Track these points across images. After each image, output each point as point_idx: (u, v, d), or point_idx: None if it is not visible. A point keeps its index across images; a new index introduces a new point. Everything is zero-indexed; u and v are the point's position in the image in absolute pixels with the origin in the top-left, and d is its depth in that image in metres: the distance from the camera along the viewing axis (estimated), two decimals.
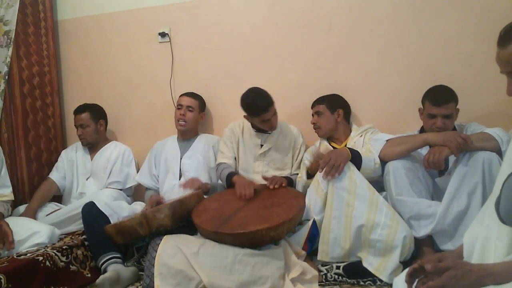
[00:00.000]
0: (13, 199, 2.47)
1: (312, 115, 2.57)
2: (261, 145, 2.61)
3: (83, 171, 2.90)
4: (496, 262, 1.11)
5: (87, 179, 2.87)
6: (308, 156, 2.51)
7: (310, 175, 2.26)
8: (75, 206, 2.52)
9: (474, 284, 1.03)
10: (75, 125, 2.92)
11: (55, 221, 2.49)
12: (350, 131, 2.53)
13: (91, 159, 2.92)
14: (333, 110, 2.50)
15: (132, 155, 2.95)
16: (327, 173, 2.01)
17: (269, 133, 2.61)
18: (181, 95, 2.84)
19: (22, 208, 2.67)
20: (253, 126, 2.64)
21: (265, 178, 2.38)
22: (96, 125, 2.91)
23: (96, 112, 2.95)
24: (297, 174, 2.53)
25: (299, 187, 2.37)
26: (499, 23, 2.35)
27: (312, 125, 2.55)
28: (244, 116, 2.55)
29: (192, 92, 2.83)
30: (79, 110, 2.91)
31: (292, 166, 2.60)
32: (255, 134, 2.63)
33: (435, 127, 2.17)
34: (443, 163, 1.95)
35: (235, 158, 2.66)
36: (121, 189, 2.81)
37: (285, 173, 2.56)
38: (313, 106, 2.58)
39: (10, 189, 2.44)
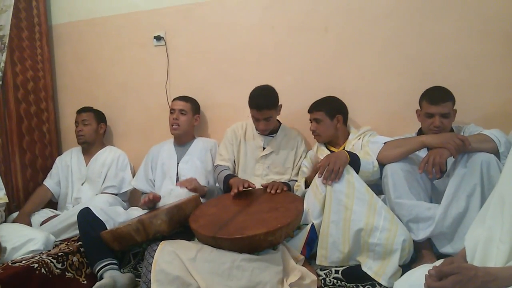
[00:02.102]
0: (7, 201, 2.44)
1: (310, 121, 2.52)
2: (263, 148, 2.59)
3: (78, 176, 2.88)
4: (501, 267, 1.12)
5: (82, 184, 2.85)
6: (306, 162, 2.49)
7: (308, 185, 2.23)
8: (71, 213, 2.48)
9: None
10: (76, 122, 2.94)
11: (52, 230, 2.45)
12: (348, 134, 2.51)
13: (86, 164, 2.91)
14: (332, 116, 2.44)
15: (127, 159, 2.95)
16: (326, 178, 2.00)
17: (272, 136, 2.59)
18: (174, 99, 2.83)
19: (16, 215, 2.64)
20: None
21: (264, 186, 2.35)
22: (97, 126, 2.97)
23: (100, 115, 3.03)
24: (295, 180, 2.53)
25: (297, 195, 2.34)
26: (497, 24, 2.36)
27: (312, 132, 2.51)
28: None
29: (184, 96, 2.82)
30: (84, 109, 2.98)
31: (292, 172, 2.58)
32: (258, 136, 2.62)
33: (433, 126, 2.17)
34: (444, 166, 1.94)
35: (234, 161, 2.64)
36: (116, 194, 2.80)
37: (285, 177, 2.55)
38: (310, 112, 2.51)
39: (3, 191, 2.42)
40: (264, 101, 2.43)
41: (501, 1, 2.39)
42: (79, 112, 2.96)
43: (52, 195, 2.90)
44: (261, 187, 2.36)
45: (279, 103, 2.53)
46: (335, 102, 2.52)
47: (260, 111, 2.44)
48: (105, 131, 3.06)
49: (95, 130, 2.95)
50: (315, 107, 2.50)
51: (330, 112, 2.45)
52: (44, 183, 2.91)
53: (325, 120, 2.45)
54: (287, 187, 2.38)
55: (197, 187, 2.46)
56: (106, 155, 2.92)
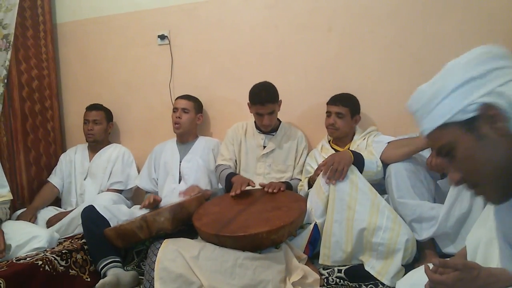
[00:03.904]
0: (12, 198, 2.43)
1: (328, 113, 2.47)
2: (264, 146, 2.59)
3: (80, 171, 2.91)
4: (503, 268, 1.09)
5: (84, 179, 2.87)
6: (310, 161, 2.49)
7: (311, 185, 2.22)
8: (76, 213, 2.48)
9: None
10: (86, 120, 2.94)
11: (60, 229, 2.46)
12: (354, 134, 2.51)
13: (90, 160, 2.93)
14: (353, 115, 2.44)
15: (132, 156, 2.97)
16: (330, 177, 2.00)
17: (273, 135, 2.60)
18: (176, 98, 2.84)
19: (20, 212, 2.64)
20: (257, 126, 2.63)
21: (262, 185, 2.35)
22: (107, 125, 2.99)
23: (109, 114, 3.04)
24: (298, 178, 2.52)
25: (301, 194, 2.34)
26: (500, 24, 2.34)
27: (329, 125, 2.44)
28: (248, 104, 2.55)
29: (187, 95, 2.83)
30: (96, 107, 2.97)
31: (293, 170, 2.58)
32: (259, 134, 2.62)
33: None
34: (444, 164, 1.93)
35: (236, 161, 2.64)
36: (122, 190, 2.83)
37: (287, 175, 2.55)
38: (334, 104, 2.45)
39: (7, 188, 2.41)
40: (266, 95, 2.44)
41: (504, 1, 2.38)
42: (90, 109, 2.96)
43: (58, 192, 2.92)
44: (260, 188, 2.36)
45: (279, 99, 2.53)
46: (357, 101, 2.50)
47: (264, 106, 2.44)
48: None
49: (105, 130, 2.98)
50: (341, 101, 2.44)
51: (354, 110, 2.45)
52: (49, 180, 2.93)
53: (347, 117, 2.43)
54: (287, 186, 2.37)
55: (201, 193, 2.46)
56: (111, 151, 2.95)
